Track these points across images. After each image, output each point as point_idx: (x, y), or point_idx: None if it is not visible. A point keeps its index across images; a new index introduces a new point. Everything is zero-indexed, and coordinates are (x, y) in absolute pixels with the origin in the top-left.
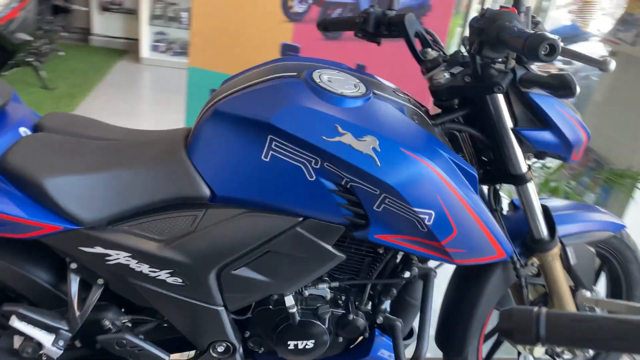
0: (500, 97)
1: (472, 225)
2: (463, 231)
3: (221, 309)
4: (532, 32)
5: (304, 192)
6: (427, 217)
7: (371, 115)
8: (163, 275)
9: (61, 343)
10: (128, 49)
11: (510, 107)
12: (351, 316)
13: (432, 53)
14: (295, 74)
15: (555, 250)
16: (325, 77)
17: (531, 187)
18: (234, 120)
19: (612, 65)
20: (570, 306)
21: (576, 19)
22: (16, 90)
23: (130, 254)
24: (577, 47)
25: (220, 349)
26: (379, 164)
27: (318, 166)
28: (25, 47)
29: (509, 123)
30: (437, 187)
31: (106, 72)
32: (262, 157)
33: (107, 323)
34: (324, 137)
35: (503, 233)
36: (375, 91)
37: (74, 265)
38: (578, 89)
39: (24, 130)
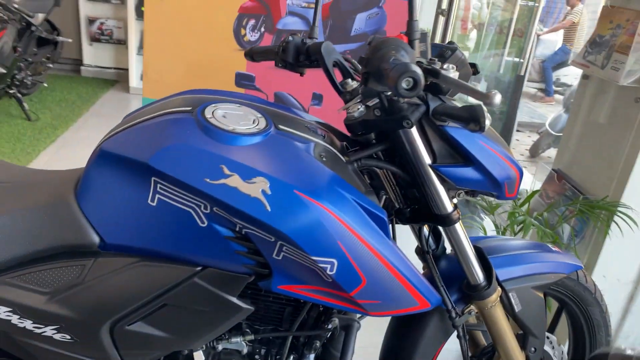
0: (414, 132)
1: (384, 274)
2: (373, 281)
3: None
4: (401, 62)
5: (197, 239)
6: (328, 266)
7: (265, 154)
8: (49, 331)
9: None
10: (118, 78)
11: (428, 141)
12: None
13: (351, 84)
14: (189, 108)
15: (494, 297)
16: (219, 112)
17: (459, 228)
18: (118, 161)
19: (497, 99)
20: (517, 356)
21: (566, 41)
22: None
23: (10, 309)
24: (566, 70)
25: None
26: (268, 208)
27: (208, 211)
28: (2, 79)
29: (426, 159)
30: (338, 233)
31: (94, 102)
32: (149, 201)
33: None
34: (208, 180)
35: (434, 279)
36: (281, 126)
37: None
38: (487, 123)
39: None
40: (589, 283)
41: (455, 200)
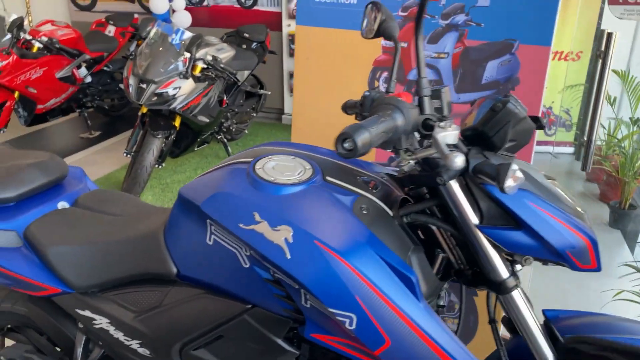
0: (456, 189)
1: (411, 336)
2: (399, 342)
3: None
4: (353, 125)
5: (244, 279)
6: (347, 320)
7: (298, 204)
8: (134, 344)
9: None
10: None
11: (476, 200)
12: None
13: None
14: (250, 159)
15: None
16: (271, 164)
17: (518, 297)
18: (187, 203)
19: (455, 161)
20: None
21: None
22: (207, 162)
23: (109, 321)
24: None
25: None
26: (288, 256)
27: (248, 253)
28: (208, 127)
29: (472, 219)
30: (356, 288)
31: None
32: (207, 241)
33: None
34: (241, 225)
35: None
36: (329, 177)
37: (80, 325)
38: (510, 183)
39: (62, 204)
40: None
41: (519, 267)
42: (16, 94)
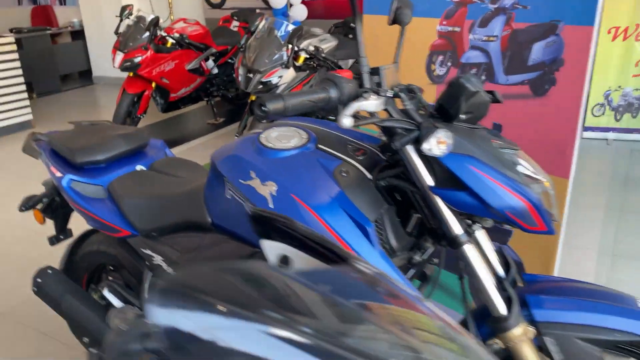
0: (413, 155)
1: None
2: None
3: None
4: (267, 94)
5: (246, 224)
6: None
7: (287, 165)
8: None
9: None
10: None
11: (431, 165)
12: None
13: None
14: (261, 130)
15: (518, 333)
16: (274, 134)
17: (472, 253)
18: (214, 164)
19: (342, 121)
20: None
21: None
22: None
23: (163, 259)
24: None
25: None
26: (271, 205)
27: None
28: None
29: (427, 182)
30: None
31: None
32: (226, 195)
33: None
34: (240, 180)
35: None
36: (321, 145)
37: (147, 262)
38: (428, 146)
39: (139, 167)
40: None
41: (478, 227)
42: (153, 84)
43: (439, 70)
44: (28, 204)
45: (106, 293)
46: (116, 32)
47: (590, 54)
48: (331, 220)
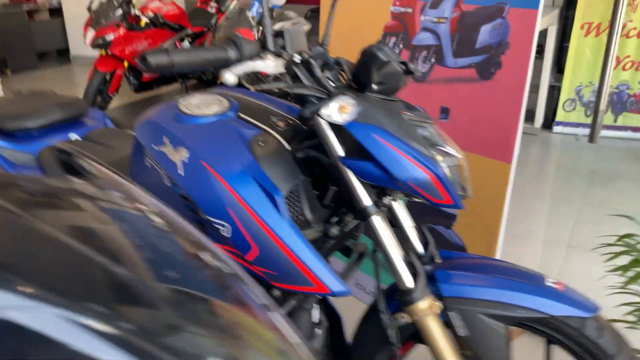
0: (324, 124)
1: (273, 247)
2: (264, 251)
3: None
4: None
5: (169, 195)
6: (221, 228)
7: (199, 132)
8: None
9: None
10: None
11: (342, 135)
12: None
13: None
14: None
15: (423, 306)
16: (195, 101)
17: (381, 225)
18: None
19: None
20: None
21: None
22: None
23: None
24: None
25: None
26: (180, 171)
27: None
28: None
29: (338, 152)
30: (229, 202)
31: None
32: (145, 163)
33: None
34: (153, 145)
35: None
36: (242, 115)
37: None
38: (325, 112)
39: (73, 136)
40: (606, 338)
41: (389, 199)
42: (125, 63)
43: None
44: None
45: None
46: (89, 9)
47: (535, 38)
48: (240, 189)
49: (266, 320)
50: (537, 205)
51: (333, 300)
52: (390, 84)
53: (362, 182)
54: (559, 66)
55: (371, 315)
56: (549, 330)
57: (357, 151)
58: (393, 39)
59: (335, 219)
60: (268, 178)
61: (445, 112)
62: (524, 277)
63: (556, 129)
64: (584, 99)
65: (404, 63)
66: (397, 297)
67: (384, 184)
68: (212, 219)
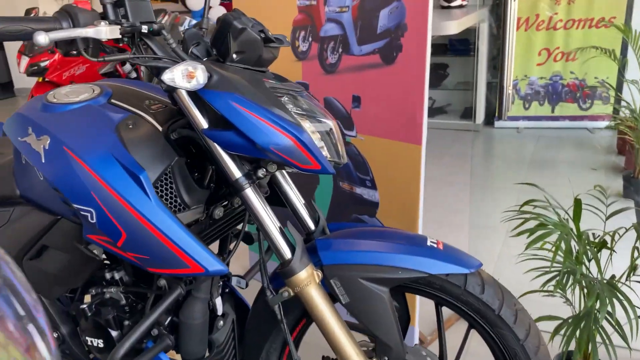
0: (184, 95)
1: (142, 230)
2: (133, 235)
3: None
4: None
5: (46, 191)
6: (88, 214)
7: (62, 119)
8: None
9: None
10: None
11: (205, 107)
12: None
13: None
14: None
15: (303, 276)
16: (64, 91)
17: (254, 198)
18: None
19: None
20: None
21: None
22: None
23: None
24: None
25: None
26: (43, 160)
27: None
28: None
29: (201, 124)
30: (92, 186)
31: None
32: (22, 160)
33: None
34: (19, 138)
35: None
36: (114, 100)
37: None
38: (165, 77)
39: None
40: (488, 293)
41: (263, 172)
42: None
43: (302, 47)
44: None
45: None
46: None
47: (429, 16)
48: (103, 172)
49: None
50: (477, 196)
51: (243, 293)
52: (250, 52)
53: (230, 155)
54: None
55: (259, 297)
56: (433, 290)
57: (221, 122)
58: (303, 33)
59: (224, 202)
60: (132, 158)
61: (357, 100)
62: (404, 239)
63: (497, 124)
64: (520, 92)
65: (262, 32)
66: (278, 271)
67: (249, 153)
68: (78, 206)
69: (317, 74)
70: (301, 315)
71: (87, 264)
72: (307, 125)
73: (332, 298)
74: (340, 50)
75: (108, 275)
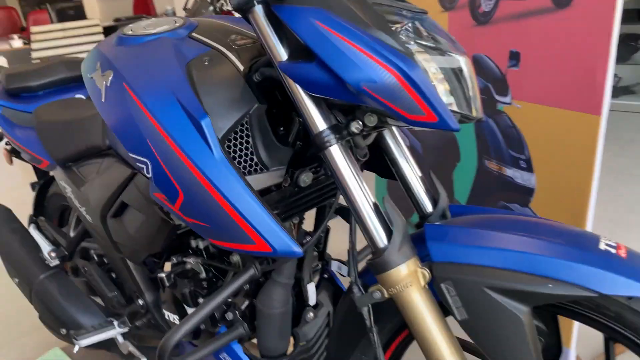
0: (261, 16)
1: (202, 191)
2: (192, 196)
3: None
4: None
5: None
6: (144, 167)
7: (133, 52)
8: (83, 211)
9: (53, 255)
10: None
11: (286, 34)
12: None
13: None
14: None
15: (401, 274)
16: (144, 24)
17: (338, 155)
18: None
19: None
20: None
21: None
22: None
23: (71, 189)
24: None
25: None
26: (103, 99)
27: None
28: None
29: (279, 55)
30: (148, 131)
31: None
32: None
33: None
34: (88, 74)
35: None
36: (195, 34)
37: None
38: None
39: (78, 96)
40: None
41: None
42: None
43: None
44: None
45: (32, 232)
46: (184, 8)
47: None
48: (161, 116)
49: None
50: None
51: (343, 281)
52: None
53: (314, 100)
54: None
55: (347, 294)
56: (604, 318)
57: (304, 53)
58: None
59: (314, 166)
60: (196, 101)
61: (515, 57)
62: (563, 237)
63: None
64: None
65: None
66: (369, 261)
67: (336, 96)
68: (134, 155)
69: (467, 26)
70: (402, 324)
71: (162, 227)
72: (425, 57)
73: (443, 309)
74: None
75: (193, 243)
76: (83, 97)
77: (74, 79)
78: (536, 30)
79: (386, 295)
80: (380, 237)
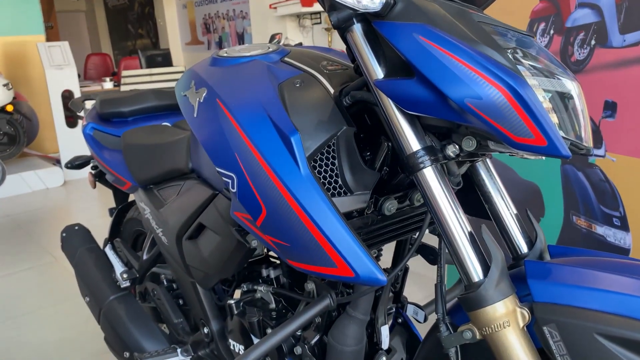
0: (359, 35)
1: (284, 206)
2: (274, 213)
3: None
4: None
5: (208, 162)
6: (230, 181)
7: (225, 72)
8: (160, 232)
9: (125, 276)
10: None
11: (384, 52)
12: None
13: None
14: None
15: (498, 312)
16: (240, 47)
17: (432, 178)
18: None
19: None
20: None
21: None
22: None
23: (150, 210)
24: None
25: (205, 329)
26: (195, 114)
27: None
28: None
29: (375, 73)
30: (237, 145)
31: None
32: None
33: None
34: (182, 92)
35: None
36: (287, 59)
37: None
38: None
39: (164, 124)
40: None
41: (455, 151)
42: None
43: (541, 41)
44: (74, 162)
45: (108, 252)
46: None
47: None
48: (251, 130)
49: None
50: None
51: (419, 328)
52: None
53: (408, 119)
54: None
55: (432, 332)
56: None
57: (402, 71)
58: (542, 24)
59: (400, 195)
60: (287, 118)
61: (610, 107)
62: None
63: None
64: None
65: None
66: (460, 296)
67: (434, 113)
68: (220, 169)
69: None
70: None
71: (236, 251)
72: (533, 81)
73: (543, 356)
74: (592, 42)
75: (265, 272)
76: (169, 124)
77: (161, 108)
78: (634, 78)
79: (478, 336)
80: (476, 270)
